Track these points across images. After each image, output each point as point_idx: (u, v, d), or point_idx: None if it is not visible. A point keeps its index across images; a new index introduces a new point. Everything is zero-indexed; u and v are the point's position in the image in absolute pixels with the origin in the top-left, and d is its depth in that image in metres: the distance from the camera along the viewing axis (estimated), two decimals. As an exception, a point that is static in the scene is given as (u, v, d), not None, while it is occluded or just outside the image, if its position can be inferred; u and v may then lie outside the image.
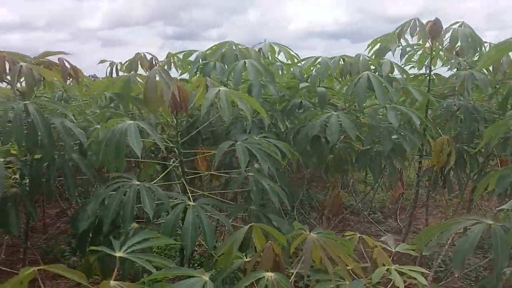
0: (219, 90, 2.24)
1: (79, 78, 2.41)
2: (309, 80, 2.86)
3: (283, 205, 2.31)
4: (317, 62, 2.90)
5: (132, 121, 2.01)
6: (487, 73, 2.95)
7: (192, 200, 2.07)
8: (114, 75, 3.58)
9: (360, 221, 4.64)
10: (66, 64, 2.46)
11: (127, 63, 3.43)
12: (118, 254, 1.38)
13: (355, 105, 2.83)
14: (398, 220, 4.81)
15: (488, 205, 4.99)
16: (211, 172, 2.56)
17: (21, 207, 2.25)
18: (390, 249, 1.85)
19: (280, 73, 3.15)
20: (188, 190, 2.27)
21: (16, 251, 3.84)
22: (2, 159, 2.13)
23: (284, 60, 3.33)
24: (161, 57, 3.82)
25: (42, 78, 2.26)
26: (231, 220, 2.19)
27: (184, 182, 2.42)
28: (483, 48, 3.10)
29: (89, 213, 2.00)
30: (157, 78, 2.19)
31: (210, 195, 2.40)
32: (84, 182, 2.88)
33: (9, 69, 2.18)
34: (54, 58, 2.53)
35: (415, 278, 1.57)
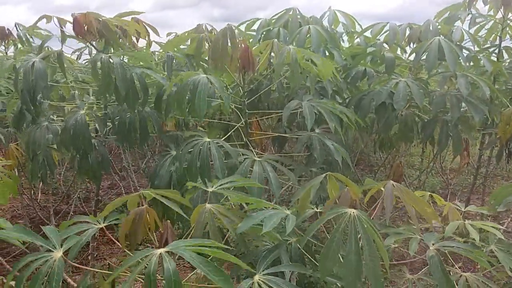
0: (290, 49, 2.25)
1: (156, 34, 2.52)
2: (375, 48, 2.83)
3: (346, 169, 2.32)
4: (384, 29, 2.86)
5: (204, 75, 2.08)
6: None
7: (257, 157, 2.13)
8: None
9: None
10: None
11: (190, 31, 3.51)
12: (210, 189, 1.57)
13: (420, 74, 2.78)
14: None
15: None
16: (276, 134, 2.60)
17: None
18: (460, 209, 1.84)
19: (343, 43, 3.13)
20: (252, 150, 2.34)
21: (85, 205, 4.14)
22: (83, 111, 2.29)
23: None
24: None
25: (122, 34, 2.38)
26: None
27: (248, 143, 2.48)
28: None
29: (170, 169, 2.13)
30: (226, 38, 2.26)
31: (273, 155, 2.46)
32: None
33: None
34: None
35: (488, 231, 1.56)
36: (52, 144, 2.54)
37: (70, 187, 4.27)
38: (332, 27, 3.20)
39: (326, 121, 2.21)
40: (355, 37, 3.12)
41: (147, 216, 1.37)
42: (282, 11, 3.11)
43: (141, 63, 2.39)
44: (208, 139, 2.07)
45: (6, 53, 3.70)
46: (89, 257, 2.95)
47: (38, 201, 4.07)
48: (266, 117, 2.84)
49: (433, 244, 1.41)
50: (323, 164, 2.30)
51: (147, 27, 2.54)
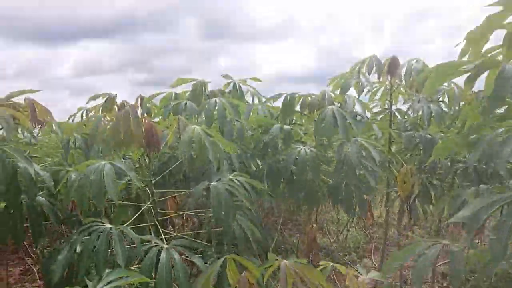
0: (194, 129, 2.28)
1: (48, 119, 2.41)
2: (279, 117, 2.97)
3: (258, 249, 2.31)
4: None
5: (106, 161, 2.02)
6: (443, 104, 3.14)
7: (165, 242, 2.06)
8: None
9: (335, 263, 4.62)
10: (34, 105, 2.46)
11: (98, 107, 3.47)
12: None
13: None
14: (373, 259, 4.83)
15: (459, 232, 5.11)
16: (185, 212, 2.55)
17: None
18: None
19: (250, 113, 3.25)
20: (161, 232, 2.26)
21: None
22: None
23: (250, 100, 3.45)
24: (132, 102, 3.86)
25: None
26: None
27: (157, 224, 2.40)
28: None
29: (63, 262, 1.96)
30: (128, 118, 2.23)
31: (183, 236, 2.38)
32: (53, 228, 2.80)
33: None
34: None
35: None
36: None
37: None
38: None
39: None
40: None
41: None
42: (192, 82, 3.21)
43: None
44: (109, 226, 1.97)
45: None
46: None
47: None
48: (176, 195, 2.79)
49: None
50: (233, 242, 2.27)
51: (42, 112, 2.43)
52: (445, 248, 1.59)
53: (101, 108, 3.52)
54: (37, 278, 4.11)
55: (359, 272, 1.90)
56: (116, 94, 3.40)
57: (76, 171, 2.13)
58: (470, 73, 1.54)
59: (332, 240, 4.74)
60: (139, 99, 3.68)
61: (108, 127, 2.48)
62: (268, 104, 3.30)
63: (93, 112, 3.48)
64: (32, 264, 4.30)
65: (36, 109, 2.38)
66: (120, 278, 1.53)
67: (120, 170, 2.05)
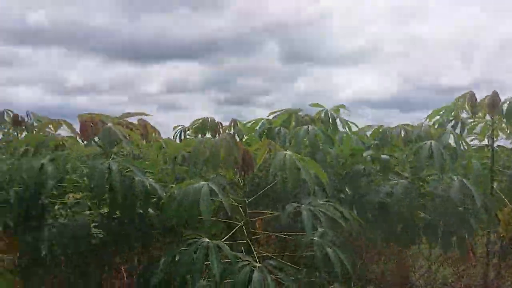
0: (285, 155, 2.34)
1: (157, 137, 2.63)
2: (372, 147, 2.93)
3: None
4: (380, 130, 2.99)
5: (205, 182, 2.13)
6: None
7: (257, 261, 2.11)
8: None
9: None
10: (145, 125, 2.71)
11: (196, 125, 3.70)
12: None
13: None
14: None
15: None
16: (278, 234, 2.59)
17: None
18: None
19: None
20: (253, 250, 2.32)
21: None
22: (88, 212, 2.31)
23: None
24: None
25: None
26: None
27: (249, 243, 2.47)
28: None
29: (161, 268, 2.10)
30: (225, 142, 2.35)
31: (272, 256, 2.43)
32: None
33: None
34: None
35: None
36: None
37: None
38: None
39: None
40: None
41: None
42: (282, 110, 3.28)
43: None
44: (207, 240, 2.07)
45: (18, 138, 3.80)
46: None
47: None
48: (268, 216, 2.85)
49: None
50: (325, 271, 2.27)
51: (152, 131, 2.66)
52: None
53: (195, 127, 3.74)
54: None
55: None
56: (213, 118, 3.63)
57: (179, 188, 2.28)
58: None
59: (418, 275, 4.47)
60: (232, 122, 3.86)
61: (209, 149, 2.63)
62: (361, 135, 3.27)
63: (189, 130, 3.71)
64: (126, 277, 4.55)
65: (147, 129, 2.63)
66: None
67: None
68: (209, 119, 3.65)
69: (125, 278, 3.42)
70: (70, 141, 2.59)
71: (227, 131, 3.69)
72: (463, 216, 2.55)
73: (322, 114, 3.45)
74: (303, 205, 2.32)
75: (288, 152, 2.36)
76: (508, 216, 2.59)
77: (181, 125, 3.86)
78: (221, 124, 3.78)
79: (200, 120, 3.67)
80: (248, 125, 3.48)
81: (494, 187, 2.96)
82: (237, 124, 3.77)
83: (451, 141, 2.85)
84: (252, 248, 2.37)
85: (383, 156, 2.73)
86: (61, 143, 2.53)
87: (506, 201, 2.79)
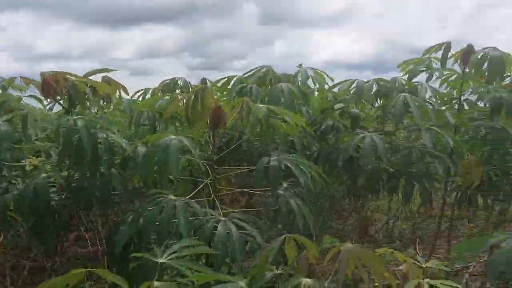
0: (261, 108, 2.31)
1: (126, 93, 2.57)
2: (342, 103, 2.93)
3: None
4: (352, 86, 2.98)
5: (175, 136, 2.07)
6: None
7: (222, 216, 2.12)
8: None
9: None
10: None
11: (163, 85, 3.60)
12: (161, 260, 1.46)
13: (387, 126, 2.87)
14: (417, 249, 4.67)
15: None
16: (246, 189, 2.60)
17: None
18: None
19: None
20: (219, 207, 2.33)
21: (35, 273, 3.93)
22: (45, 174, 2.26)
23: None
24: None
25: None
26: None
27: (216, 199, 2.48)
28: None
29: (127, 231, 2.06)
30: (198, 98, 2.31)
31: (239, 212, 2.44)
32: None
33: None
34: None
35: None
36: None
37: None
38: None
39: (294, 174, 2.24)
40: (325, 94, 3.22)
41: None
42: (256, 68, 3.22)
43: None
44: (173, 197, 2.05)
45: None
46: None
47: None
48: (235, 172, 2.86)
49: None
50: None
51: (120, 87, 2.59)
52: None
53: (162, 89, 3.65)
54: (89, 245, 4.34)
55: (417, 260, 1.84)
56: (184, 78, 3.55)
57: (144, 145, 2.23)
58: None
59: (378, 228, 4.63)
60: (202, 82, 3.78)
61: (184, 102, 2.58)
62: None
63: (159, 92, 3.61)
64: (84, 231, 4.54)
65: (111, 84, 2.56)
66: (186, 247, 1.59)
67: (185, 147, 2.11)
68: (179, 79, 3.54)
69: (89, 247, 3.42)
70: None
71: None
72: (428, 167, 2.60)
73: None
74: (271, 158, 2.32)
75: (264, 106, 2.33)
76: (466, 167, 2.64)
77: (149, 87, 3.72)
78: (191, 84, 3.69)
79: (168, 81, 3.56)
80: (219, 84, 3.42)
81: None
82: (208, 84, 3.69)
83: (427, 95, 2.87)
84: (218, 204, 2.38)
85: (352, 110, 2.73)
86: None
87: (466, 152, 2.84)
